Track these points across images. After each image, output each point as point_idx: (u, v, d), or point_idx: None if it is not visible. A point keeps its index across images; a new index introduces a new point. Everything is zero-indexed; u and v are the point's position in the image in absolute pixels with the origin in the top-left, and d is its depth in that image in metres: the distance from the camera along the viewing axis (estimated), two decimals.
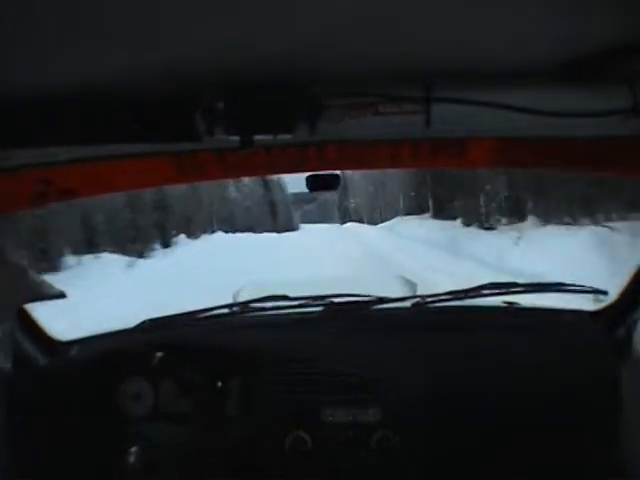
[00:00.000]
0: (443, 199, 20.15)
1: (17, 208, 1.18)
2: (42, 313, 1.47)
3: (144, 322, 1.58)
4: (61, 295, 1.15)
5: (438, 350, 1.41)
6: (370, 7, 0.60)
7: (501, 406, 1.34)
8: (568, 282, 1.54)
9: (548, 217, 12.46)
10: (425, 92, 0.89)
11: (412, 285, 1.91)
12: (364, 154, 1.14)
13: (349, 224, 42.96)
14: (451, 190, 18.43)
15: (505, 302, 1.58)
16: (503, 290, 1.54)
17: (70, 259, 14.34)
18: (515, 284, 1.55)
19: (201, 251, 17.87)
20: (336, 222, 60.13)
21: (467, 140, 1.10)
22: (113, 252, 15.73)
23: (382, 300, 1.55)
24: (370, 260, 12.61)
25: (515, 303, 1.58)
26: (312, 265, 11.32)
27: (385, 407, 1.34)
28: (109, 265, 13.85)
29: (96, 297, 8.59)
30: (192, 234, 24.26)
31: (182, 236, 22.42)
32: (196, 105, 0.87)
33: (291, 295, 1.59)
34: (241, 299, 1.68)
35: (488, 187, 15.18)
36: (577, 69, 0.83)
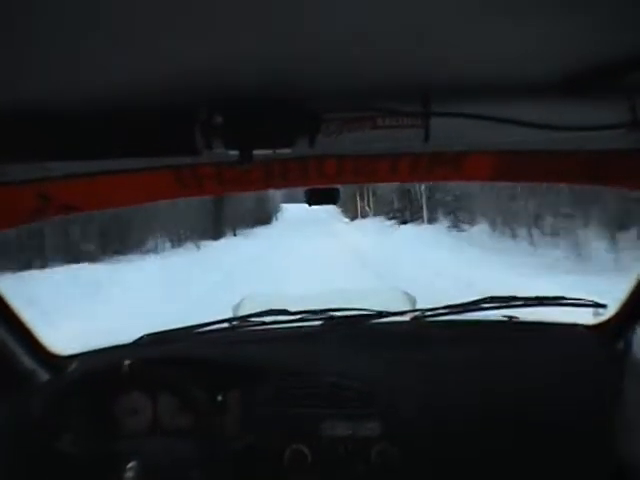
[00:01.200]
0: None
1: (15, 224, 1.18)
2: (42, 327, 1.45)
3: (143, 337, 1.57)
4: None
5: (437, 364, 1.40)
6: (369, 22, 0.60)
7: (501, 419, 1.33)
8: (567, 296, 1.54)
9: None
10: (424, 106, 0.89)
11: (412, 299, 1.92)
12: (363, 168, 1.14)
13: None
14: None
15: (505, 316, 1.58)
16: (502, 304, 1.54)
17: None
18: (514, 298, 1.54)
19: None
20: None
21: (466, 154, 1.10)
22: None
23: (381, 314, 1.55)
24: None
25: (514, 317, 1.57)
26: None
27: (385, 421, 1.33)
28: None
29: None
30: None
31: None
32: (195, 119, 0.87)
33: (291, 309, 1.58)
34: (241, 313, 1.67)
35: None
36: (577, 83, 0.84)
